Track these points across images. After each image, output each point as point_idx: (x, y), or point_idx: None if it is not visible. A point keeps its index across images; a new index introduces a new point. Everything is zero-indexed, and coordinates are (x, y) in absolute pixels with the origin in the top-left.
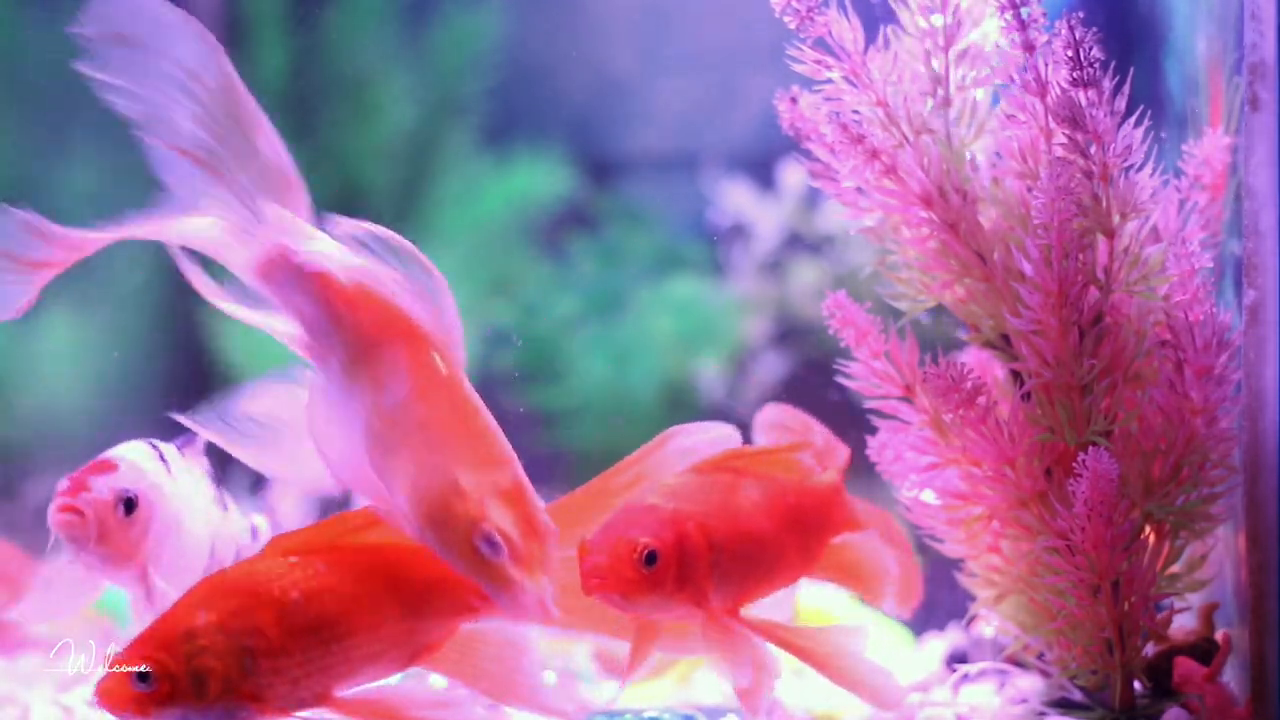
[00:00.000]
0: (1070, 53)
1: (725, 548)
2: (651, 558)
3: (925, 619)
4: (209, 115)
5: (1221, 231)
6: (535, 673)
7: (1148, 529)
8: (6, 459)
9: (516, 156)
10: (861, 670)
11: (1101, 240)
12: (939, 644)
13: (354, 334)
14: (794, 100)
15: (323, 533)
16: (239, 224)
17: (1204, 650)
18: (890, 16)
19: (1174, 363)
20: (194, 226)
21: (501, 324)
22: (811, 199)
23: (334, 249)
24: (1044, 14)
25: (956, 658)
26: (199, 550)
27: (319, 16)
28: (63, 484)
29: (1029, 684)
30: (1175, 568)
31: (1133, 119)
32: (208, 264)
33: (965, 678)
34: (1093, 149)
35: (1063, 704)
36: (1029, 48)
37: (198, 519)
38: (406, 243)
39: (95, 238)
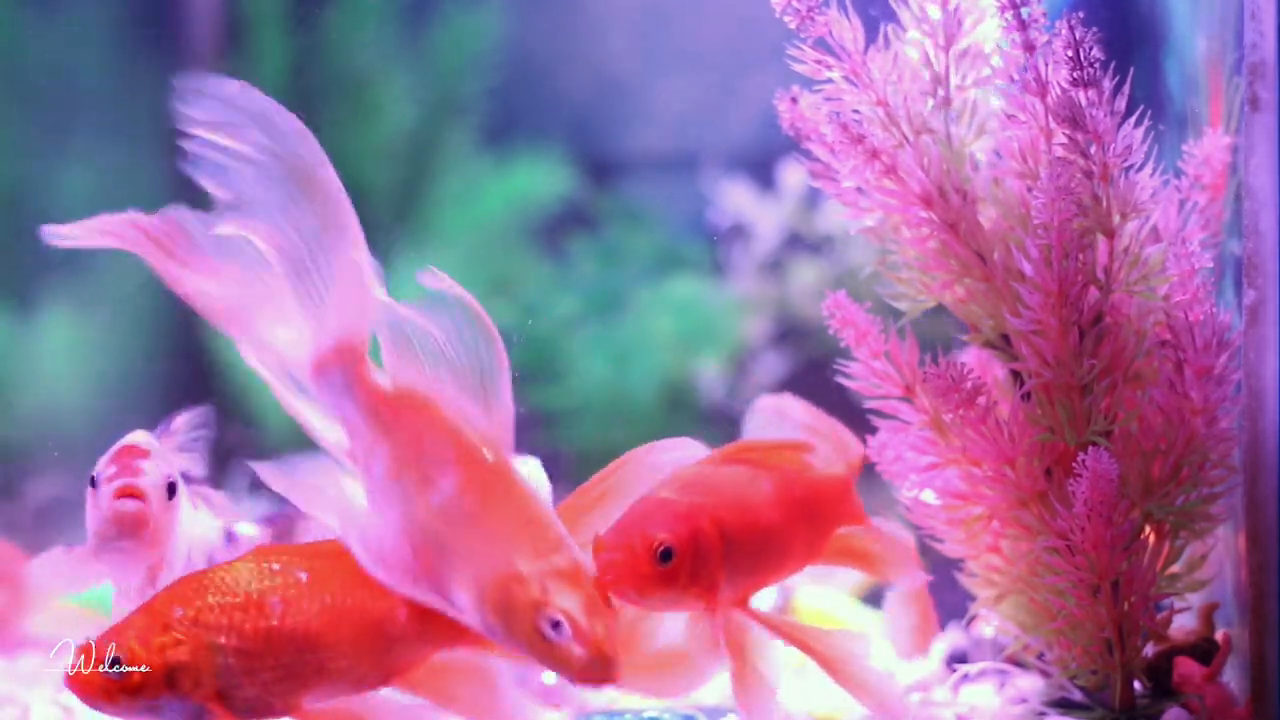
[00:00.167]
0: (1070, 53)
1: (737, 541)
2: (667, 554)
3: None
4: (292, 205)
5: (1221, 231)
6: (507, 695)
7: (1148, 529)
8: (6, 459)
9: (516, 156)
10: (868, 677)
11: (1101, 240)
12: (939, 644)
13: (400, 438)
14: (794, 100)
15: (309, 547)
16: (301, 319)
17: (1204, 650)
18: (890, 16)
19: (1174, 363)
20: (260, 316)
21: (501, 324)
22: (811, 199)
23: (389, 342)
24: (1044, 14)
25: (956, 658)
26: (183, 546)
27: (319, 16)
28: (109, 470)
29: (1029, 684)
30: (1175, 568)
31: (1133, 119)
32: None
33: (965, 678)
34: (1093, 149)
35: (1063, 704)
36: (1029, 48)
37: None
38: (476, 306)
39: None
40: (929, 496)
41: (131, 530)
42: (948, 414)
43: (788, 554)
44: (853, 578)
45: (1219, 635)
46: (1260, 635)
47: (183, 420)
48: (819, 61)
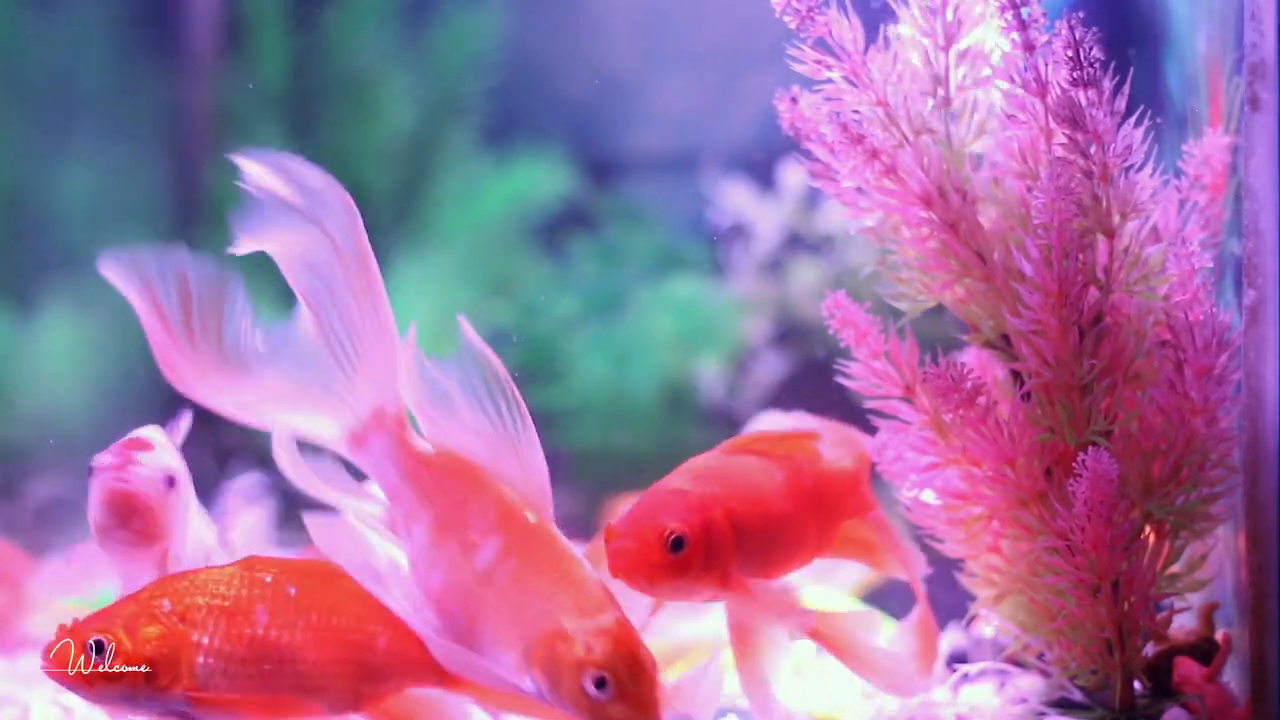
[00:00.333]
0: (1070, 53)
1: (749, 531)
2: (679, 543)
3: None
4: (336, 280)
5: (1221, 231)
6: None
7: (1148, 529)
8: (6, 459)
9: (516, 156)
10: (877, 657)
11: (1101, 240)
12: (939, 644)
13: (443, 502)
14: (794, 100)
15: (301, 564)
16: (336, 393)
17: (1204, 650)
18: (890, 16)
19: (1174, 363)
20: (291, 395)
21: (502, 324)
22: (811, 199)
23: (426, 406)
24: (1044, 14)
25: (956, 658)
26: (192, 543)
27: (319, 16)
28: (105, 459)
29: (1029, 684)
30: (1175, 568)
31: (1133, 119)
32: None
33: (965, 678)
34: (1093, 149)
35: (1063, 704)
36: (1029, 48)
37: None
38: (496, 363)
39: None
40: (929, 496)
41: (122, 516)
42: (948, 414)
43: (799, 544)
44: (854, 577)
45: (1219, 635)
46: (1260, 635)
47: (188, 420)
48: (819, 61)
